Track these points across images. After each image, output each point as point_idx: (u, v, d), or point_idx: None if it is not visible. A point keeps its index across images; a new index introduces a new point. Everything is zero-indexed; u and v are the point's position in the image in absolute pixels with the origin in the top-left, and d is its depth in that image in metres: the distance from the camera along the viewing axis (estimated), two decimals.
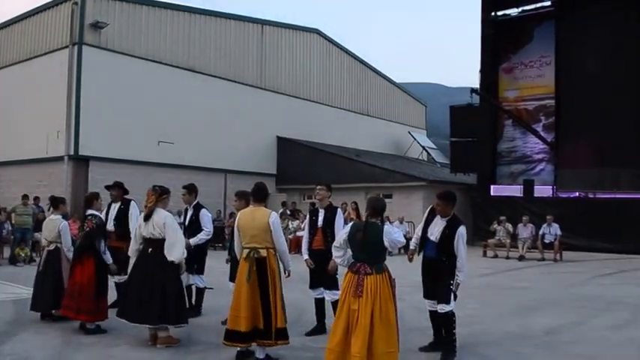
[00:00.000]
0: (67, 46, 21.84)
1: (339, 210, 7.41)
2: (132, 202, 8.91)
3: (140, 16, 23.65)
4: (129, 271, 6.96)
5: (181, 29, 25.14)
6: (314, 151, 28.42)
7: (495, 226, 20.07)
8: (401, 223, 20.99)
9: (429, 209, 6.69)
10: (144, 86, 23.03)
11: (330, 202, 7.48)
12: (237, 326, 5.84)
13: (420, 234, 6.71)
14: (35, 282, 8.15)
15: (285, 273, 6.37)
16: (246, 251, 6.01)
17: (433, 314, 6.52)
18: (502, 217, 20.13)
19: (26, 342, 6.84)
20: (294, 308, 8.27)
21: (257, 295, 5.83)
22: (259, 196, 6.26)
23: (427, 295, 6.56)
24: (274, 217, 6.10)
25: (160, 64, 23.93)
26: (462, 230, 6.31)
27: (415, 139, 38.76)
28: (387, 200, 23.76)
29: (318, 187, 7.49)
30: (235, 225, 6.28)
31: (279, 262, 6.15)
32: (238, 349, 5.98)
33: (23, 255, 15.40)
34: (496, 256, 19.18)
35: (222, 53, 26.86)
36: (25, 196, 16.11)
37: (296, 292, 8.88)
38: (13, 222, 15.88)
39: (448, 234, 6.30)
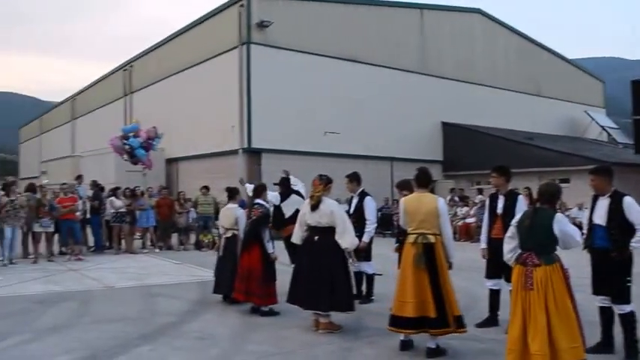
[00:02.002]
0: (236, 47, 23.24)
1: (520, 197, 6.93)
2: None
3: (302, 11, 24.46)
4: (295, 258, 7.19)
5: (341, 21, 25.57)
6: (481, 136, 27.64)
7: None
8: (580, 209, 19.68)
9: (592, 197, 6.11)
10: (309, 79, 23.81)
11: (510, 188, 7.08)
12: (403, 312, 5.73)
13: (587, 224, 6.17)
14: (216, 267, 8.75)
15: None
16: (413, 236, 5.86)
17: (603, 311, 5.92)
18: None
19: (209, 321, 7.39)
20: (466, 297, 8.08)
21: (425, 282, 5.68)
22: (423, 181, 6.10)
23: (596, 291, 5.92)
24: (442, 202, 5.97)
25: (323, 56, 24.59)
26: (628, 199, 5.74)
27: (593, 118, 36.13)
28: (563, 185, 22.49)
29: (493, 173, 7.13)
30: (401, 211, 6.17)
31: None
32: (402, 337, 5.91)
33: (206, 241, 16.68)
34: None
35: (383, 41, 26.91)
36: (205, 187, 17.35)
37: (468, 281, 8.67)
38: (197, 211, 17.20)
39: (615, 209, 5.73)
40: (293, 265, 8.39)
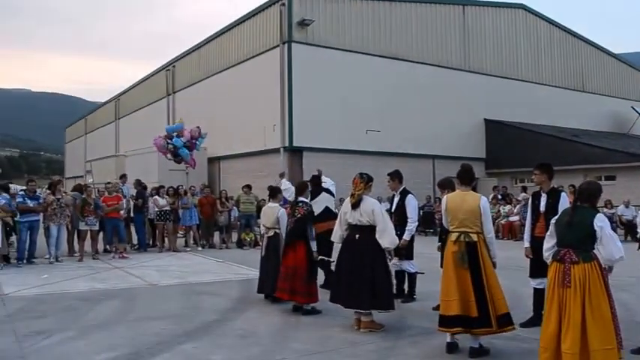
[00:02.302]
0: (277, 45, 23.36)
1: (562, 194, 6.78)
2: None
3: (342, 9, 24.43)
4: (336, 257, 7.14)
5: (382, 18, 25.48)
6: (525, 133, 27.23)
7: None
8: (627, 207, 19.21)
9: None
10: (349, 77, 23.77)
11: (554, 186, 6.96)
12: (449, 311, 5.67)
13: None
14: (260, 267, 8.74)
15: None
16: (454, 235, 5.80)
17: None
18: None
19: (252, 319, 7.41)
20: (510, 296, 7.91)
21: (468, 281, 5.61)
22: (466, 178, 6.02)
23: None
24: (485, 201, 5.88)
25: (364, 54, 24.56)
26: None
27: None
28: (610, 183, 21.94)
29: (535, 170, 7.01)
30: (443, 209, 6.14)
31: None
32: (448, 340, 5.83)
33: (248, 239, 16.80)
34: None
35: (425, 38, 26.75)
36: (247, 186, 17.44)
37: (511, 280, 8.51)
38: (239, 209, 17.30)
39: None
40: (319, 259, 8.40)
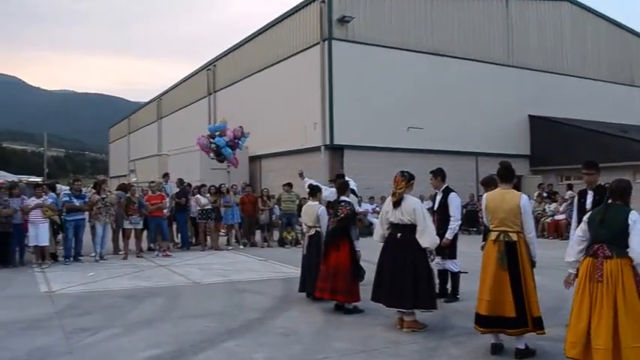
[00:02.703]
0: (317, 43, 23.32)
1: None
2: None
3: (383, 6, 24.25)
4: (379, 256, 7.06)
5: (423, 14, 25.21)
6: (571, 129, 26.56)
7: None
8: None
9: None
10: (390, 74, 23.59)
11: (599, 183, 6.80)
12: (481, 310, 5.68)
13: None
14: (302, 265, 8.75)
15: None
16: (494, 234, 5.74)
17: None
18: None
19: (294, 318, 7.42)
20: (555, 297, 7.76)
21: (506, 282, 5.54)
22: (506, 176, 5.94)
23: None
24: (525, 200, 5.78)
25: (404, 50, 24.32)
26: None
27: None
28: None
29: (585, 170, 6.87)
30: (483, 207, 6.07)
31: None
32: (492, 340, 5.77)
33: (290, 238, 16.84)
34: None
35: (467, 33, 26.37)
36: (288, 184, 17.44)
37: (557, 280, 8.29)
38: (281, 208, 17.34)
39: None
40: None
